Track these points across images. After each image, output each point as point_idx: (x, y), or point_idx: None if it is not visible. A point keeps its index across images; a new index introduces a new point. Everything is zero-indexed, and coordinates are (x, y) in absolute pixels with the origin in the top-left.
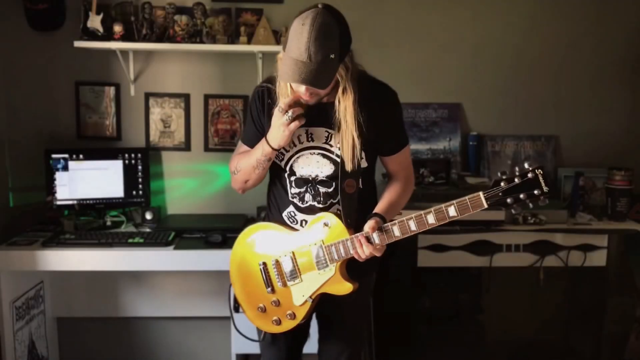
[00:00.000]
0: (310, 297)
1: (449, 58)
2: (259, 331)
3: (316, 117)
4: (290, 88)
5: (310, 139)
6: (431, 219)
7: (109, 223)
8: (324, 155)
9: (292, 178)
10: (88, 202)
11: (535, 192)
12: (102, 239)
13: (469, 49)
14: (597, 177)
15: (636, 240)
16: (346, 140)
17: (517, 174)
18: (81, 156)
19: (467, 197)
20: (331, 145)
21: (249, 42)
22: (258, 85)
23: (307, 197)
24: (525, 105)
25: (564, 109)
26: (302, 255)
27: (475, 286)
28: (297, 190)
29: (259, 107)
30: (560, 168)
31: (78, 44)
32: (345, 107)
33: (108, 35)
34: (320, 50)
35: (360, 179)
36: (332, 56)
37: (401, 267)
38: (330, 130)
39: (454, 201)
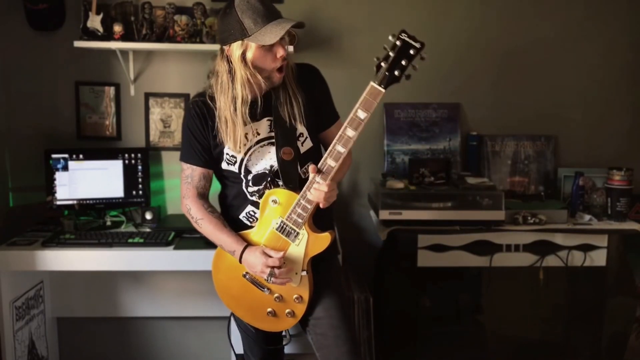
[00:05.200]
0: (304, 269)
1: (448, 58)
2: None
3: (258, 111)
4: (256, 79)
5: (256, 134)
6: (350, 132)
7: (109, 223)
8: (273, 143)
9: (249, 177)
10: (88, 202)
11: (411, 52)
12: (102, 239)
13: (469, 49)
14: (597, 177)
15: (636, 240)
16: (287, 109)
17: (387, 48)
18: (81, 156)
19: (364, 94)
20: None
21: None
22: (193, 101)
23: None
24: (525, 105)
25: (564, 109)
26: (272, 240)
27: (475, 286)
28: (255, 188)
29: (199, 123)
30: (560, 168)
31: (78, 44)
32: (286, 83)
33: (108, 35)
34: (274, 8)
35: (310, 164)
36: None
37: (401, 267)
38: (271, 118)
39: (357, 104)
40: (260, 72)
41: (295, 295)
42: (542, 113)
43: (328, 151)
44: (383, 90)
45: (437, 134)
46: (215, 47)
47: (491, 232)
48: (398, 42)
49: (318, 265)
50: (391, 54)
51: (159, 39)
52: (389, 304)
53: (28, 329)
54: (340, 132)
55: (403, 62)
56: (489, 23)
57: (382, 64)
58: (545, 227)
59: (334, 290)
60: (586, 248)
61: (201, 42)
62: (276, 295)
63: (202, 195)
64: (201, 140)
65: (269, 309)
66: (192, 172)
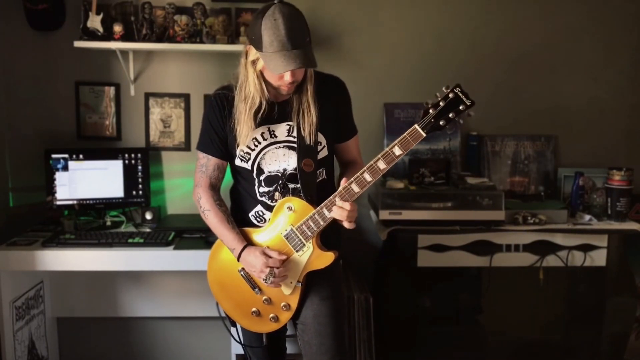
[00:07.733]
0: (298, 280)
1: (449, 58)
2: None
3: (277, 115)
4: (260, 86)
5: (273, 136)
6: (382, 165)
7: (109, 223)
8: (290, 147)
9: (262, 177)
10: (88, 202)
11: (461, 107)
12: (102, 239)
13: (469, 49)
14: (597, 177)
15: (636, 240)
16: (307, 120)
17: (439, 97)
18: (81, 156)
19: (405, 133)
20: (294, 137)
21: None
22: (215, 93)
23: (277, 195)
24: (525, 105)
25: (564, 108)
26: (277, 245)
27: (475, 286)
28: (266, 189)
29: (219, 115)
30: (560, 168)
31: (78, 44)
32: (305, 93)
33: (108, 35)
34: (299, 35)
35: (323, 170)
36: (308, 39)
37: (401, 267)
38: (290, 123)
39: (396, 141)
40: (267, 82)
41: (283, 303)
42: (542, 113)
43: (355, 177)
44: (424, 134)
45: (437, 134)
46: (215, 47)
47: (491, 232)
48: (451, 95)
49: (317, 270)
50: (441, 103)
51: (159, 39)
52: (389, 304)
53: (28, 329)
54: (371, 163)
55: (450, 115)
56: (490, 23)
57: (431, 110)
58: (545, 227)
59: (328, 297)
60: (586, 248)
61: (201, 42)
62: (265, 297)
63: (214, 186)
64: (219, 132)
65: (254, 309)
66: (207, 162)
